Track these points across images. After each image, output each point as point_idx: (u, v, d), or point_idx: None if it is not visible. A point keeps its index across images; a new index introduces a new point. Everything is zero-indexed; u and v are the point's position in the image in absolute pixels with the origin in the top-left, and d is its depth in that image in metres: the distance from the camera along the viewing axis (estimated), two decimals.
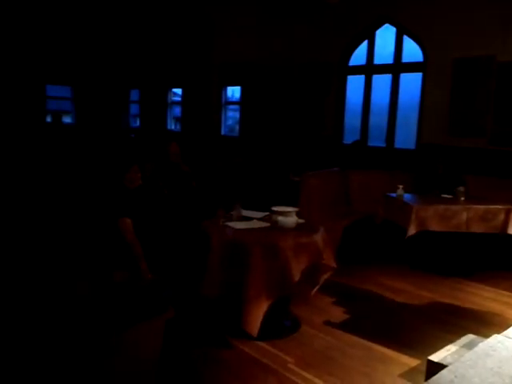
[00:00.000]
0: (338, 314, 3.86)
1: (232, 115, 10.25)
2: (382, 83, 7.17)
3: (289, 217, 3.32)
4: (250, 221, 3.61)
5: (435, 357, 2.33)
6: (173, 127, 11.17)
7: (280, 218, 3.32)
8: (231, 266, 3.08)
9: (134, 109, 12.46)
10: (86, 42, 10.87)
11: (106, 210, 2.79)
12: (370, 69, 7.17)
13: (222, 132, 9.67)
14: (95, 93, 11.53)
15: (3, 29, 9.87)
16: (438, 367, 1.97)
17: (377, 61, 7.09)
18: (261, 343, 3.25)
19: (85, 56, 11.02)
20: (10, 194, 5.50)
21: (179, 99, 10.91)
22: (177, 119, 11.28)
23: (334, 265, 3.45)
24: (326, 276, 3.47)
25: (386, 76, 7.00)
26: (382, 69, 7.03)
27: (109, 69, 11.41)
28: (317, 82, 7.63)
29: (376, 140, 7.29)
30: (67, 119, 12.17)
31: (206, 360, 3.04)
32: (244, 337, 3.21)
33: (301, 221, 3.45)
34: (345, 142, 7.50)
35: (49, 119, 11.35)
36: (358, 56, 7.33)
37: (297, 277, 3.07)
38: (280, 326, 3.52)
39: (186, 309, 3.31)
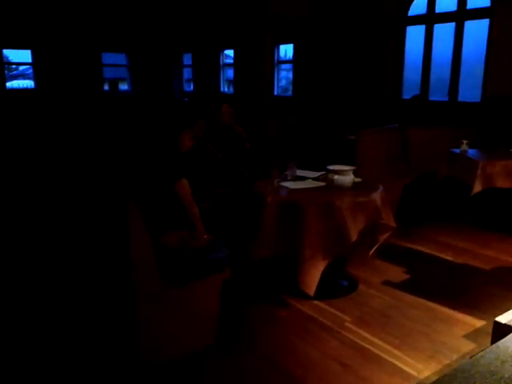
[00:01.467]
0: (397, 274, 3.77)
1: (285, 75, 10.05)
2: (444, 33, 6.72)
3: (345, 175, 3.23)
4: (305, 180, 3.54)
5: (503, 318, 2.21)
6: (226, 90, 11.12)
7: (336, 177, 3.23)
8: (286, 226, 3.05)
9: (187, 73, 12.49)
10: (138, 7, 10.90)
11: (162, 173, 2.82)
12: (431, 18, 6.72)
13: (275, 92, 9.51)
14: (149, 59, 11.64)
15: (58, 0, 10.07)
16: (506, 329, 1.87)
17: (439, 9, 6.62)
18: (318, 302, 3.24)
19: (138, 22, 11.07)
20: (70, 161, 5.73)
21: (231, 61, 10.81)
22: (229, 82, 11.22)
23: (393, 224, 3.34)
24: (384, 236, 3.37)
25: (449, 25, 6.54)
26: (445, 17, 6.56)
27: (161, 33, 11.42)
28: (373, 36, 7.26)
29: (437, 94, 6.92)
30: (123, 86, 12.43)
31: (263, 318, 3.08)
32: (301, 296, 3.22)
33: (358, 180, 3.35)
34: (404, 97, 7.17)
35: (106, 87, 11.62)
36: (418, 4, 6.88)
37: (354, 237, 3.00)
38: (337, 285, 3.50)
39: (242, 269, 3.35)
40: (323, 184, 3.39)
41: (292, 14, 8.40)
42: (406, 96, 7.07)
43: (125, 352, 2.62)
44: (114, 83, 11.52)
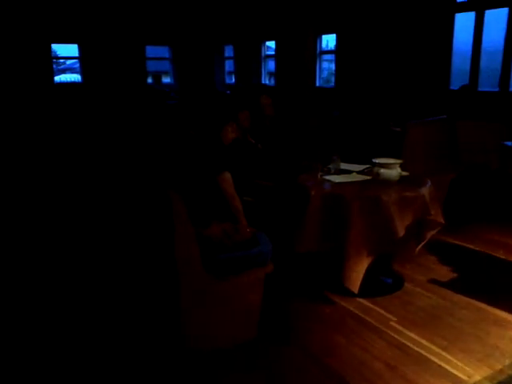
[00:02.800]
0: (445, 272, 3.63)
1: (326, 66, 9.88)
2: (495, 19, 6.39)
3: (392, 169, 3.12)
4: (350, 174, 3.45)
5: None
6: (267, 82, 11.06)
7: (382, 171, 3.12)
8: (330, 220, 2.98)
9: (228, 65, 12.50)
10: (180, 0, 10.97)
11: (205, 166, 2.81)
12: (481, 3, 6.40)
13: (317, 84, 9.36)
14: (192, 51, 11.71)
15: None
16: None
17: None
18: (362, 300, 3.16)
19: (181, 15, 11.15)
20: (116, 153, 5.83)
21: (273, 53, 10.72)
22: (271, 74, 11.14)
23: (441, 221, 3.21)
24: (432, 233, 3.25)
25: (501, 10, 6.21)
26: (497, 2, 6.23)
27: (204, 26, 11.47)
28: (420, 23, 7.00)
29: (487, 84, 6.60)
30: (166, 79, 12.57)
31: (306, 314, 3.03)
32: (344, 293, 3.14)
33: (405, 173, 3.23)
34: (451, 87, 6.89)
35: (150, 80, 11.78)
36: None
37: (401, 233, 2.90)
38: (382, 283, 3.39)
39: (285, 263, 3.31)
40: (368, 178, 3.29)
41: (335, 4, 8.24)
42: (454, 86, 6.80)
43: (170, 342, 2.64)
44: (157, 76, 11.67)
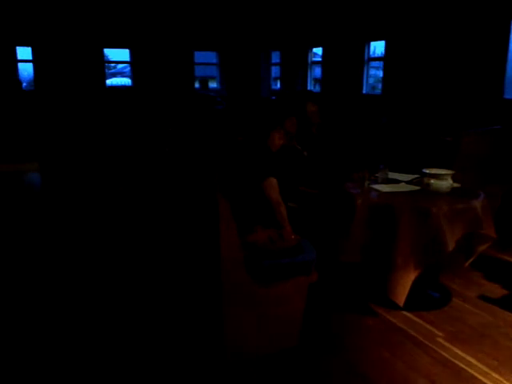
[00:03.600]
0: (495, 289, 3.47)
1: (373, 73, 9.74)
2: None
3: (443, 180, 3.02)
4: (398, 184, 3.37)
5: None
6: (313, 88, 11.01)
7: (433, 181, 3.03)
8: (377, 231, 2.92)
9: (274, 71, 12.54)
10: (228, 6, 11.12)
11: (251, 171, 2.82)
12: None
13: (364, 91, 9.24)
14: (239, 57, 11.84)
15: (154, 2, 10.55)
16: None
17: None
18: (407, 313, 3.07)
19: (229, 21, 11.31)
20: (164, 156, 5.96)
21: (319, 59, 10.68)
22: (316, 80, 11.09)
23: (493, 235, 3.07)
24: (483, 247, 3.12)
25: None
26: None
27: (251, 32, 11.57)
28: (473, 30, 6.78)
29: None
30: (212, 84, 12.75)
31: (348, 324, 2.98)
32: (388, 305, 3.07)
33: (456, 185, 3.12)
34: (505, 96, 6.62)
35: (197, 85, 11.98)
36: None
37: (451, 246, 2.80)
38: (428, 297, 3.29)
39: (328, 273, 3.26)
40: (418, 188, 3.20)
41: (384, 10, 8.11)
42: (508, 95, 6.54)
43: (210, 347, 2.66)
44: (204, 81, 11.85)
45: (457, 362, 2.59)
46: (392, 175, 3.49)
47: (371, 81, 9.89)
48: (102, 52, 11.19)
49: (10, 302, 3.29)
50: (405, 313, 3.07)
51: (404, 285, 2.89)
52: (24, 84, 10.57)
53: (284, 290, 2.56)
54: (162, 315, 3.08)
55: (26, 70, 11.48)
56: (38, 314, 3.11)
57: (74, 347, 2.74)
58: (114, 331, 2.90)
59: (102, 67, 11.23)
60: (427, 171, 3.10)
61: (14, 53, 10.23)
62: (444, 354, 2.68)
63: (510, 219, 4.50)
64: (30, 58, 10.47)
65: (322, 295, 3.20)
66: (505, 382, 2.42)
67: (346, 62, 9.35)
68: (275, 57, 12.26)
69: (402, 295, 2.91)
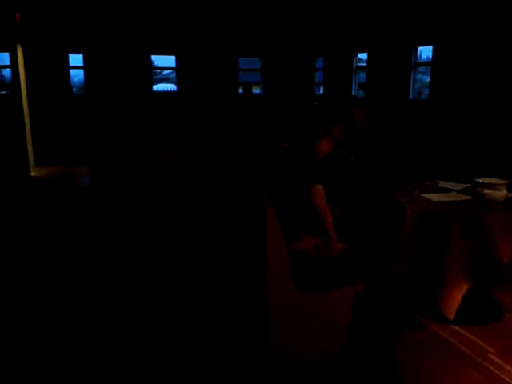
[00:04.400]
0: None
1: (418, 78, 9.52)
2: None
3: (497, 190, 2.90)
4: (449, 193, 3.26)
5: None
6: (357, 93, 10.89)
7: (487, 191, 2.92)
8: (427, 241, 2.83)
9: (317, 77, 12.49)
10: (271, 13, 11.18)
11: (298, 178, 2.80)
12: None
13: (410, 96, 9.04)
14: (283, 63, 11.87)
15: (200, 10, 10.74)
16: None
17: None
18: (457, 327, 2.96)
19: (272, 28, 11.37)
20: (209, 161, 6.02)
21: (363, 64, 10.56)
22: (360, 85, 10.95)
23: None
24: None
25: None
26: None
27: (295, 38, 11.58)
28: None
29: None
30: (255, 90, 12.81)
31: (395, 336, 2.90)
32: (437, 318, 2.96)
33: (510, 195, 2.99)
34: None
35: (240, 90, 12.09)
36: None
37: (505, 259, 2.69)
38: (479, 311, 3.16)
39: (376, 282, 3.19)
40: (470, 198, 3.09)
41: (432, 15, 7.92)
42: None
43: (254, 353, 2.65)
44: (247, 87, 11.93)
45: (509, 380, 2.48)
46: (442, 184, 3.38)
47: (417, 86, 9.67)
48: (150, 58, 11.49)
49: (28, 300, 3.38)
50: (454, 327, 2.96)
51: (455, 298, 2.79)
52: (74, 89, 10.98)
53: (329, 299, 2.52)
54: (206, 322, 3.10)
55: (76, 76, 11.92)
56: (51, 311, 3.19)
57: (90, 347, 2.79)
58: (146, 337, 2.93)
59: (149, 73, 11.53)
60: (481, 180, 2.99)
61: (67, 59, 10.65)
62: (496, 371, 2.56)
63: None
64: (81, 64, 10.87)
65: (368, 305, 3.14)
66: None
67: (392, 67, 9.19)
68: (318, 62, 12.20)
69: (452, 308, 2.81)
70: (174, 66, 11.92)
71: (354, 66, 10.79)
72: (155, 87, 12.42)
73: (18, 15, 7.06)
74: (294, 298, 2.44)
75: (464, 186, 3.37)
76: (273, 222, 2.29)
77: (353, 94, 10.73)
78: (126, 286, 3.62)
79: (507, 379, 2.49)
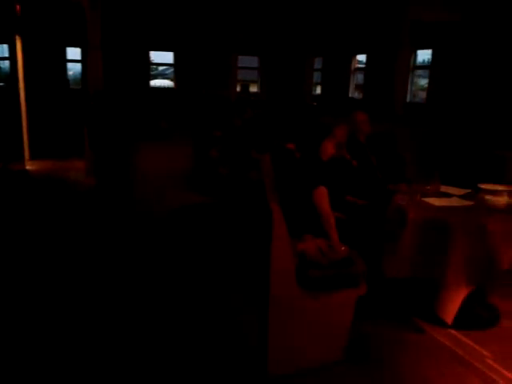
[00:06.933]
0: None
1: (417, 81, 9.57)
2: None
3: (499, 196, 2.92)
4: (450, 197, 3.28)
5: None
6: (355, 95, 10.91)
7: (489, 197, 2.94)
8: (428, 246, 2.85)
9: (314, 77, 12.49)
10: (273, 12, 11.17)
11: (302, 179, 2.80)
12: None
13: (408, 99, 9.08)
14: (281, 62, 11.86)
15: (202, 7, 10.71)
16: None
17: None
18: (454, 331, 2.98)
19: (271, 26, 11.36)
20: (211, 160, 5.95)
21: (361, 66, 10.58)
22: (357, 86, 10.98)
23: None
24: None
25: None
26: None
27: (294, 38, 11.57)
28: None
29: None
30: (253, 88, 12.81)
31: (394, 340, 2.92)
32: (435, 322, 3.00)
33: None
34: None
35: (238, 89, 12.06)
36: None
37: (505, 265, 2.71)
38: (476, 316, 3.17)
39: (375, 285, 3.21)
40: (471, 203, 3.11)
41: (433, 19, 7.94)
42: None
43: (253, 355, 2.65)
44: (245, 85, 11.91)
45: None
46: (443, 188, 3.40)
47: (414, 89, 9.72)
48: (148, 55, 11.44)
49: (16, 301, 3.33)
50: (451, 330, 2.99)
51: (454, 302, 2.82)
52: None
53: (331, 302, 2.53)
54: (203, 323, 3.09)
55: (71, 69, 11.80)
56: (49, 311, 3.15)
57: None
58: (143, 338, 2.92)
59: (147, 69, 11.49)
60: (483, 186, 3.01)
61: (64, 53, 10.56)
62: (493, 376, 2.59)
63: None
64: (79, 58, 10.77)
65: (370, 308, 3.15)
66: None
67: (391, 69, 9.21)
68: (317, 62, 12.20)
69: (451, 313, 2.84)
70: (171, 62, 11.88)
71: (353, 67, 10.80)
72: (152, 83, 12.39)
73: (18, 7, 6.99)
74: (296, 299, 2.44)
75: (464, 191, 3.40)
76: (279, 222, 2.29)
77: (350, 95, 10.75)
78: (121, 284, 3.60)
79: (502, 382, 2.51)
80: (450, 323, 2.87)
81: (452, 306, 2.82)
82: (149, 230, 4.76)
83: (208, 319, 3.11)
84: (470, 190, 3.32)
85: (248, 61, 12.53)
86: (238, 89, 12.07)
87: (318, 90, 12.39)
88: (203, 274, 3.78)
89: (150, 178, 4.86)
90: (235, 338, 2.89)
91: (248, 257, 2.74)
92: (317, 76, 12.31)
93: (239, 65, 12.07)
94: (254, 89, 12.78)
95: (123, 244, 4.47)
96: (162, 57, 12.40)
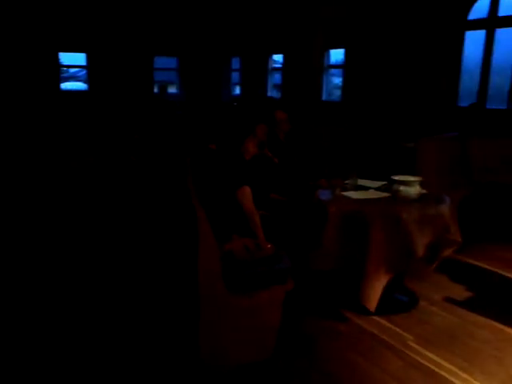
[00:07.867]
0: (460, 291, 3.59)
1: (330, 80, 9.95)
2: (505, 37, 6.43)
3: (412, 186, 3.10)
4: (367, 190, 3.43)
5: None
6: (273, 94, 11.11)
7: (402, 188, 3.10)
8: (349, 238, 2.95)
9: (234, 77, 12.56)
10: (190, 12, 11.06)
11: (225, 179, 2.78)
12: (492, 22, 6.44)
13: (323, 97, 9.40)
14: (199, 62, 11.77)
15: (117, 6, 10.34)
16: None
17: (502, 12, 6.33)
18: (377, 318, 3.11)
19: (189, 27, 11.24)
20: (127, 164, 5.80)
21: (279, 66, 10.79)
22: (275, 86, 11.19)
23: (459, 239, 3.18)
24: (449, 251, 3.21)
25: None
26: (508, 21, 6.27)
27: (212, 38, 11.54)
28: (429, 40, 7.04)
29: (495, 102, 6.62)
30: (171, 90, 12.61)
31: (322, 332, 2.99)
32: (359, 311, 3.11)
33: (424, 191, 3.21)
34: (460, 104, 6.90)
35: (156, 90, 11.82)
36: (479, 8, 6.61)
37: (421, 252, 2.88)
38: (397, 301, 3.35)
39: (302, 280, 3.27)
40: (387, 195, 3.26)
41: (344, 18, 8.28)
42: (462, 103, 6.82)
43: (185, 357, 2.60)
44: (163, 86, 11.68)
45: (429, 364, 2.66)
46: (361, 182, 3.54)
47: (331, 87, 10.09)
48: (57, 56, 10.82)
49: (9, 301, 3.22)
50: (375, 317, 3.11)
51: (375, 290, 2.94)
52: None
53: (260, 300, 2.53)
54: (135, 325, 2.99)
55: None
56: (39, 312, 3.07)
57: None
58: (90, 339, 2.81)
59: (57, 71, 10.88)
60: (396, 178, 3.17)
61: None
62: (416, 357, 2.73)
63: (469, 223, 4.67)
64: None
65: (296, 303, 3.20)
66: (475, 382, 2.49)
67: (306, 68, 9.47)
68: (235, 62, 12.27)
69: (373, 301, 2.96)
70: (82, 63, 11.35)
71: (270, 67, 10.98)
72: (63, 86, 11.76)
73: None
74: (225, 299, 2.42)
75: (380, 183, 3.56)
76: (203, 222, 2.25)
77: (269, 94, 10.93)
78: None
79: (425, 363, 2.67)
80: (373, 311, 2.99)
81: (374, 295, 2.93)
82: None
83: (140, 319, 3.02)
84: (385, 182, 3.48)
85: (166, 62, 12.31)
86: (156, 90, 11.82)
87: (238, 91, 12.47)
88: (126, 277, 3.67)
89: None
90: (169, 337, 2.83)
91: (174, 259, 2.68)
92: (236, 76, 12.38)
93: (157, 66, 11.83)
94: (172, 90, 12.60)
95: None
96: (75, 58, 11.83)
